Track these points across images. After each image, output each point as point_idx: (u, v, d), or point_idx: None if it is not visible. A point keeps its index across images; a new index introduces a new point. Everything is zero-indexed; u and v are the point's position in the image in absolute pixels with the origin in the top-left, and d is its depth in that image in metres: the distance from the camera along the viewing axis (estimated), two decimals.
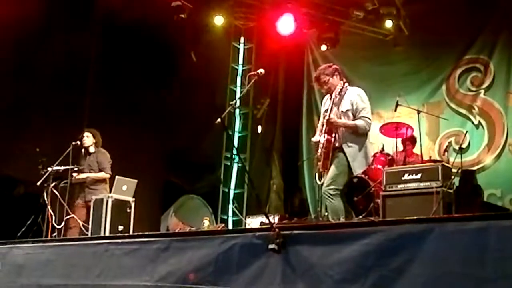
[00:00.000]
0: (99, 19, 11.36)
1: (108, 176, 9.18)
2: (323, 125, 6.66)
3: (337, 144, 6.53)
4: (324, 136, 6.55)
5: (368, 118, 6.59)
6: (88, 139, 9.23)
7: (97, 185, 9.15)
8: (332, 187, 6.42)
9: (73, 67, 10.77)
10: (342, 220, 6.29)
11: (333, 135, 6.55)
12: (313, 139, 6.93)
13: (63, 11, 10.48)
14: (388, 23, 11.92)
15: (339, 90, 6.63)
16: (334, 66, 6.84)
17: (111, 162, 9.25)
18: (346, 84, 6.76)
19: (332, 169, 6.50)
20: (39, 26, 10.05)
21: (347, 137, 6.53)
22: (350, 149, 6.50)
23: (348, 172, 6.52)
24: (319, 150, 6.64)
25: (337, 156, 6.51)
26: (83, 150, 9.24)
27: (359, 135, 6.55)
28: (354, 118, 6.57)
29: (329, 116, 6.58)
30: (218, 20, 12.77)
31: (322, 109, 6.90)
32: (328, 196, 6.42)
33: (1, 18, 9.40)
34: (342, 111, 6.61)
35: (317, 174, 6.75)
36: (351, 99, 6.62)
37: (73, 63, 10.74)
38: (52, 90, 10.45)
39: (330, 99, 6.71)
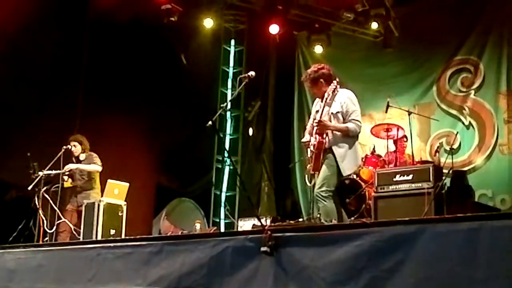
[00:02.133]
0: (91, 21, 11.32)
1: (99, 168, 9.14)
2: (312, 127, 6.68)
3: (327, 146, 6.56)
4: (316, 138, 6.57)
5: (359, 121, 6.63)
6: (76, 148, 9.19)
7: (88, 189, 9.12)
8: (324, 188, 6.44)
9: (64, 69, 10.73)
10: (334, 222, 6.30)
11: (324, 136, 6.57)
12: (303, 140, 6.98)
13: (54, 13, 10.41)
14: (378, 25, 11.94)
15: (332, 90, 6.66)
16: (326, 67, 6.88)
17: (100, 161, 9.22)
18: (337, 86, 6.80)
19: (323, 171, 6.52)
20: (30, 28, 10.00)
21: (338, 138, 6.56)
22: (340, 150, 6.53)
23: (337, 173, 6.53)
24: (309, 152, 6.67)
25: (328, 158, 6.54)
26: (73, 158, 9.20)
27: (349, 137, 6.59)
28: (344, 121, 6.60)
29: (321, 117, 6.60)
30: (208, 23, 12.74)
31: (313, 110, 6.92)
32: (321, 198, 6.44)
33: None
34: (332, 113, 6.64)
35: (307, 176, 6.78)
36: (341, 102, 6.66)
37: (65, 65, 10.70)
38: (43, 93, 10.43)
39: (321, 100, 6.73)
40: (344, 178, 7.75)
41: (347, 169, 6.56)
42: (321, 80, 6.75)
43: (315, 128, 6.63)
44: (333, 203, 6.46)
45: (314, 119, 6.69)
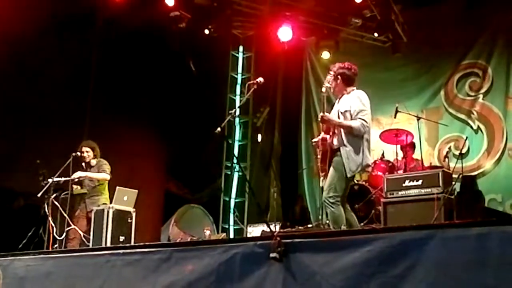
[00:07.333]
0: (100, 28, 11.37)
1: (108, 177, 9.14)
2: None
3: (335, 146, 6.46)
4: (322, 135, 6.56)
5: (364, 120, 6.40)
6: (88, 154, 9.22)
7: (97, 195, 9.13)
8: (331, 194, 6.32)
9: (73, 77, 10.76)
10: (344, 228, 6.26)
11: (331, 134, 6.52)
12: (314, 140, 6.94)
13: (63, 21, 10.43)
14: (379, 35, 11.96)
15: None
16: (354, 69, 6.75)
17: (110, 169, 9.24)
18: (353, 87, 6.73)
19: (330, 174, 6.42)
20: (39, 36, 10.03)
21: (344, 137, 6.41)
22: (346, 149, 6.36)
23: (345, 175, 6.35)
24: (318, 151, 6.63)
25: (335, 160, 6.43)
26: (83, 164, 9.22)
27: (355, 136, 6.41)
28: (351, 120, 6.52)
29: (323, 113, 6.56)
30: (217, 29, 12.75)
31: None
32: (328, 204, 6.32)
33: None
34: (340, 112, 6.56)
35: (321, 179, 6.71)
36: (350, 100, 6.55)
37: (74, 73, 10.73)
38: (52, 101, 10.45)
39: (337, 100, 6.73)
40: (353, 184, 7.72)
41: (351, 169, 6.35)
42: (339, 78, 6.69)
43: (322, 125, 6.60)
44: (341, 209, 6.33)
45: None
